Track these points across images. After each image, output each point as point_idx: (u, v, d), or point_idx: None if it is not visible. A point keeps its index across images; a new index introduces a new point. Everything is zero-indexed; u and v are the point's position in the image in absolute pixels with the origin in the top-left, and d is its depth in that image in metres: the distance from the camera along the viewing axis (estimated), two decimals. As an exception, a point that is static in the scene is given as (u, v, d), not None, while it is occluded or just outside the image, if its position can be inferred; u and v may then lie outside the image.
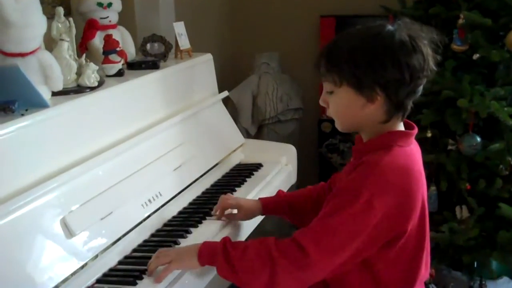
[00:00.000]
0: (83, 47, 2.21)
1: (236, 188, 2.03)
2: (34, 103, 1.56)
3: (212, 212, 1.78)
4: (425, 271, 1.43)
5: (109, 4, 2.22)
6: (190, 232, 1.68)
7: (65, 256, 1.44)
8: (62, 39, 1.79)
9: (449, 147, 2.37)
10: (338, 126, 1.44)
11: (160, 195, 1.82)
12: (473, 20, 2.27)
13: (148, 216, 1.75)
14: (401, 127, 1.41)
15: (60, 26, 1.86)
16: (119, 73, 2.03)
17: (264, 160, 2.30)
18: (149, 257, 1.47)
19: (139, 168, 1.80)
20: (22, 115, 1.50)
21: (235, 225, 1.78)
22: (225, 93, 2.51)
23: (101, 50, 2.04)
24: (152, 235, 1.70)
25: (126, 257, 1.57)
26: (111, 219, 1.61)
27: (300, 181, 2.51)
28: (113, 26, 2.27)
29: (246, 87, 3.38)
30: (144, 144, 1.86)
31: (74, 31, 1.88)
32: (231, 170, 2.24)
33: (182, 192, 1.94)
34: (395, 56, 1.30)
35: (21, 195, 1.39)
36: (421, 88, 1.36)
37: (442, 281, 2.56)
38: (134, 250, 1.61)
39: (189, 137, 2.10)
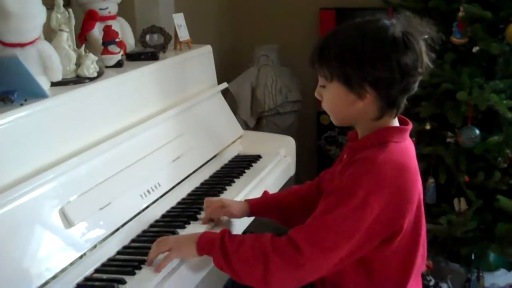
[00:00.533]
0: (82, 37, 2.21)
1: (235, 179, 2.03)
2: (33, 94, 1.56)
3: (201, 222, 1.71)
4: (421, 263, 1.42)
5: (109, -5, 2.22)
6: (188, 223, 1.68)
7: (64, 246, 1.44)
8: (61, 30, 1.79)
9: (448, 140, 2.36)
10: (332, 119, 1.43)
11: (159, 185, 1.82)
12: (473, 13, 2.26)
13: (147, 207, 1.75)
14: (395, 123, 1.39)
15: (59, 16, 1.85)
16: (118, 64, 2.03)
17: (263, 151, 2.31)
18: (148, 247, 1.48)
19: (138, 159, 1.80)
20: (21, 105, 1.50)
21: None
22: (224, 85, 2.51)
23: (101, 41, 2.04)
24: (151, 226, 1.70)
25: (124, 247, 1.57)
26: (110, 210, 1.61)
27: (299, 173, 2.52)
28: (112, 17, 2.27)
29: (245, 79, 3.38)
30: (143, 135, 1.87)
31: (73, 21, 1.88)
32: (230, 161, 2.24)
33: (181, 183, 1.94)
34: (385, 54, 1.27)
35: (19, 185, 1.39)
36: (415, 85, 1.34)
37: (440, 273, 2.57)
38: (133, 241, 1.61)
39: (188, 128, 2.10)
